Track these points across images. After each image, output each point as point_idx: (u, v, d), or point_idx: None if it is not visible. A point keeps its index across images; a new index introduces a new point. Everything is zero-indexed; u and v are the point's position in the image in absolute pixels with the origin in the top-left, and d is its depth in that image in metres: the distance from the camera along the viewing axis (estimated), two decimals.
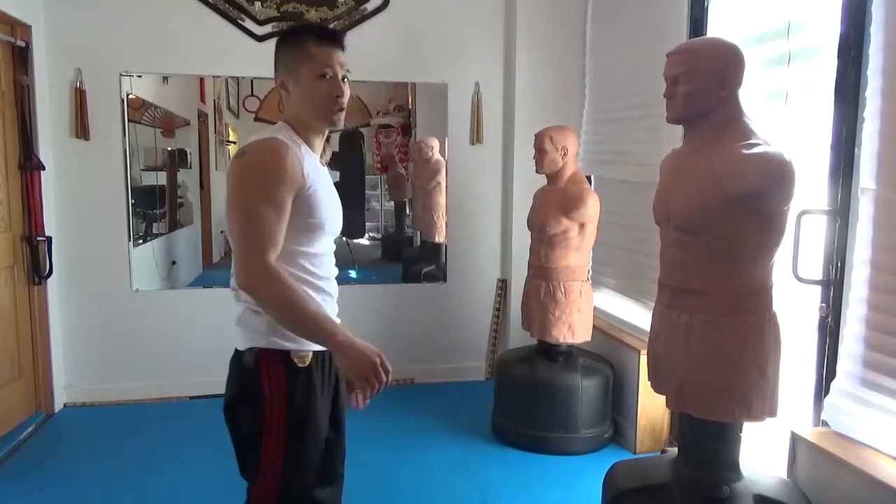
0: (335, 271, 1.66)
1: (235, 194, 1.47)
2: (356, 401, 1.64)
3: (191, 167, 3.95)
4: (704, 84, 1.84)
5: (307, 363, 1.54)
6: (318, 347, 1.54)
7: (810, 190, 2.17)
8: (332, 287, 1.64)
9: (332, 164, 4.00)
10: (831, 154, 2.14)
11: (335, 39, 1.55)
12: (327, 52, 1.52)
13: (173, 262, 3.99)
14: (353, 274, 4.09)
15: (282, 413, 1.53)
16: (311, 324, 1.44)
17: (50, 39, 3.50)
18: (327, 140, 1.63)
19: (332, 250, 1.64)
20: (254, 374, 1.53)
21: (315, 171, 1.54)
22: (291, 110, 1.57)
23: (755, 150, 1.78)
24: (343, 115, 1.57)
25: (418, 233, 4.30)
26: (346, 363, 1.43)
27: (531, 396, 3.14)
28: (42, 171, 3.43)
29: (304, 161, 1.50)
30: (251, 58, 3.76)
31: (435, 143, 4.12)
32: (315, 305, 1.47)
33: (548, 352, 3.23)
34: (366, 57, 3.81)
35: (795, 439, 2.14)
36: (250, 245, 1.44)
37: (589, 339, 3.22)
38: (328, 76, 1.52)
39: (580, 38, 3.91)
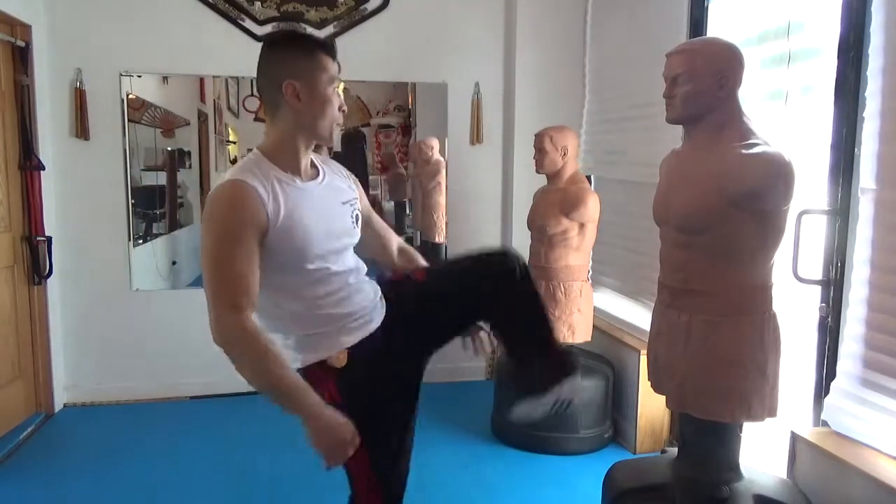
0: (349, 282, 1.58)
1: (203, 244, 1.42)
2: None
3: (191, 167, 3.95)
4: (704, 84, 1.84)
5: (345, 362, 1.53)
6: (353, 341, 1.54)
7: (810, 190, 2.17)
8: (348, 303, 1.57)
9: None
10: (831, 154, 2.14)
11: (336, 52, 1.54)
12: (334, 65, 1.52)
13: (173, 262, 4.00)
14: None
15: (343, 408, 1.49)
16: (281, 389, 1.39)
17: (50, 39, 3.50)
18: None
19: (337, 263, 1.56)
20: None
21: (294, 197, 1.48)
22: (293, 123, 1.49)
23: (755, 150, 1.78)
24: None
25: (418, 233, 4.30)
26: (314, 435, 1.40)
27: None
28: (42, 171, 3.42)
29: (271, 196, 1.43)
30: (251, 58, 3.73)
31: (435, 143, 4.12)
32: (286, 370, 1.40)
33: None
34: (366, 57, 3.81)
35: (795, 439, 2.14)
36: (221, 298, 1.40)
37: (589, 339, 3.22)
38: (337, 89, 1.52)
39: (580, 38, 3.90)
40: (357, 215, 1.66)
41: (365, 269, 1.70)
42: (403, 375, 1.67)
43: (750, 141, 1.81)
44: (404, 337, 1.66)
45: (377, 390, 1.58)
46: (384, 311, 1.67)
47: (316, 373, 1.53)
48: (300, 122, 1.49)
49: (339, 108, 1.53)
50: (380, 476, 1.61)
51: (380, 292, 1.71)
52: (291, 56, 1.49)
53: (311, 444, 1.42)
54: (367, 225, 1.75)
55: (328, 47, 1.52)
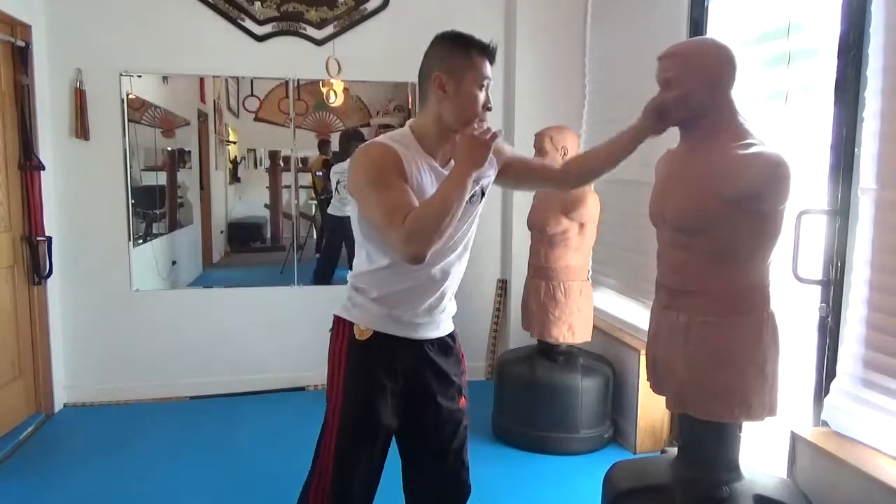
0: (431, 274, 1.67)
1: (362, 191, 1.56)
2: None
3: (191, 167, 3.95)
4: (696, 86, 1.83)
5: (365, 337, 1.65)
6: (386, 332, 1.65)
7: (810, 190, 2.17)
8: (412, 296, 1.66)
9: (332, 163, 4.01)
10: (831, 154, 2.14)
11: (494, 55, 1.63)
12: (487, 65, 1.61)
13: (173, 262, 4.00)
14: None
15: (341, 367, 1.67)
16: (446, 204, 1.47)
17: (50, 39, 3.50)
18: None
19: (432, 265, 1.64)
20: (331, 334, 1.72)
21: (426, 175, 1.59)
22: (436, 112, 1.60)
23: (750, 150, 1.77)
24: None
25: None
26: (461, 152, 1.53)
27: (531, 396, 3.14)
28: (42, 171, 3.43)
29: (409, 165, 1.56)
30: (251, 58, 3.76)
31: None
32: (436, 200, 1.50)
33: (548, 352, 3.22)
34: (366, 57, 3.81)
35: (795, 439, 2.14)
36: (391, 229, 1.48)
37: (589, 339, 3.22)
38: (484, 88, 1.60)
39: (580, 38, 3.90)
40: (472, 220, 1.76)
41: (457, 278, 1.79)
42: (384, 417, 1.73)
43: (746, 141, 1.80)
44: (406, 410, 1.78)
45: (369, 382, 1.66)
46: (436, 338, 1.77)
47: (343, 326, 1.68)
48: (442, 113, 1.60)
49: (484, 107, 1.61)
50: (335, 472, 1.68)
51: (450, 322, 1.82)
52: (447, 51, 1.61)
53: (462, 150, 1.54)
54: (522, 175, 1.86)
55: (486, 49, 1.62)
